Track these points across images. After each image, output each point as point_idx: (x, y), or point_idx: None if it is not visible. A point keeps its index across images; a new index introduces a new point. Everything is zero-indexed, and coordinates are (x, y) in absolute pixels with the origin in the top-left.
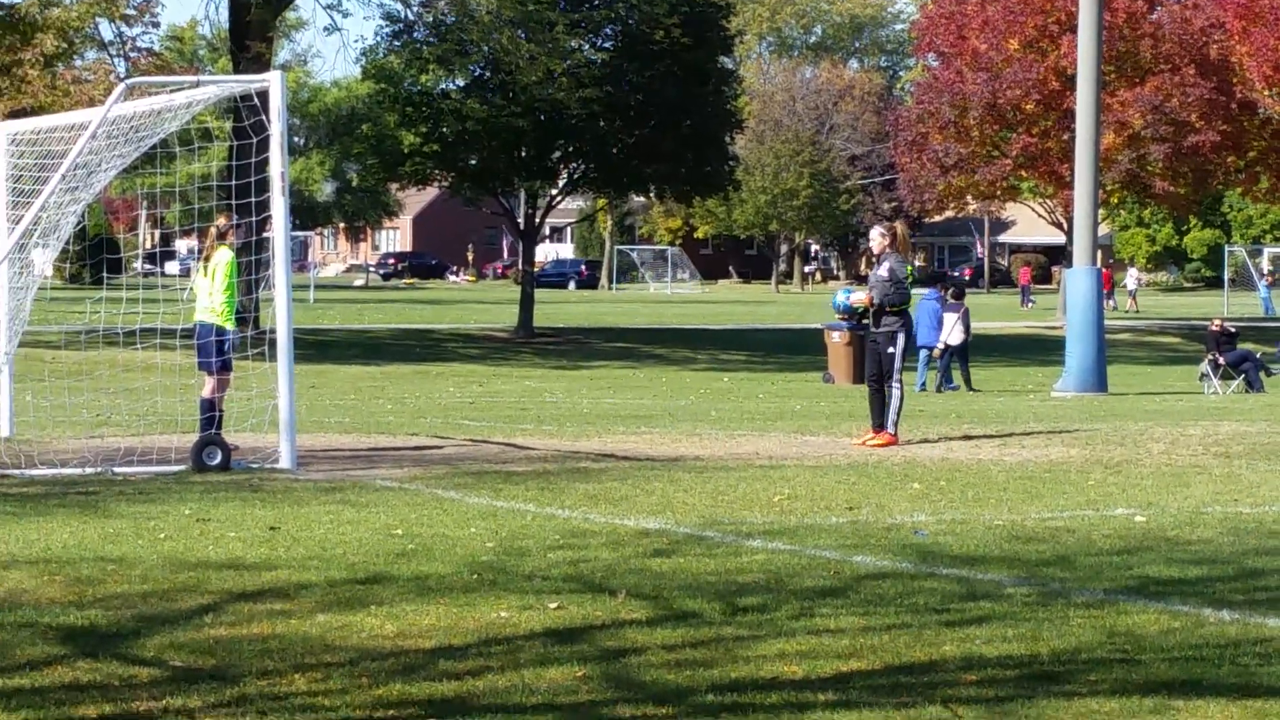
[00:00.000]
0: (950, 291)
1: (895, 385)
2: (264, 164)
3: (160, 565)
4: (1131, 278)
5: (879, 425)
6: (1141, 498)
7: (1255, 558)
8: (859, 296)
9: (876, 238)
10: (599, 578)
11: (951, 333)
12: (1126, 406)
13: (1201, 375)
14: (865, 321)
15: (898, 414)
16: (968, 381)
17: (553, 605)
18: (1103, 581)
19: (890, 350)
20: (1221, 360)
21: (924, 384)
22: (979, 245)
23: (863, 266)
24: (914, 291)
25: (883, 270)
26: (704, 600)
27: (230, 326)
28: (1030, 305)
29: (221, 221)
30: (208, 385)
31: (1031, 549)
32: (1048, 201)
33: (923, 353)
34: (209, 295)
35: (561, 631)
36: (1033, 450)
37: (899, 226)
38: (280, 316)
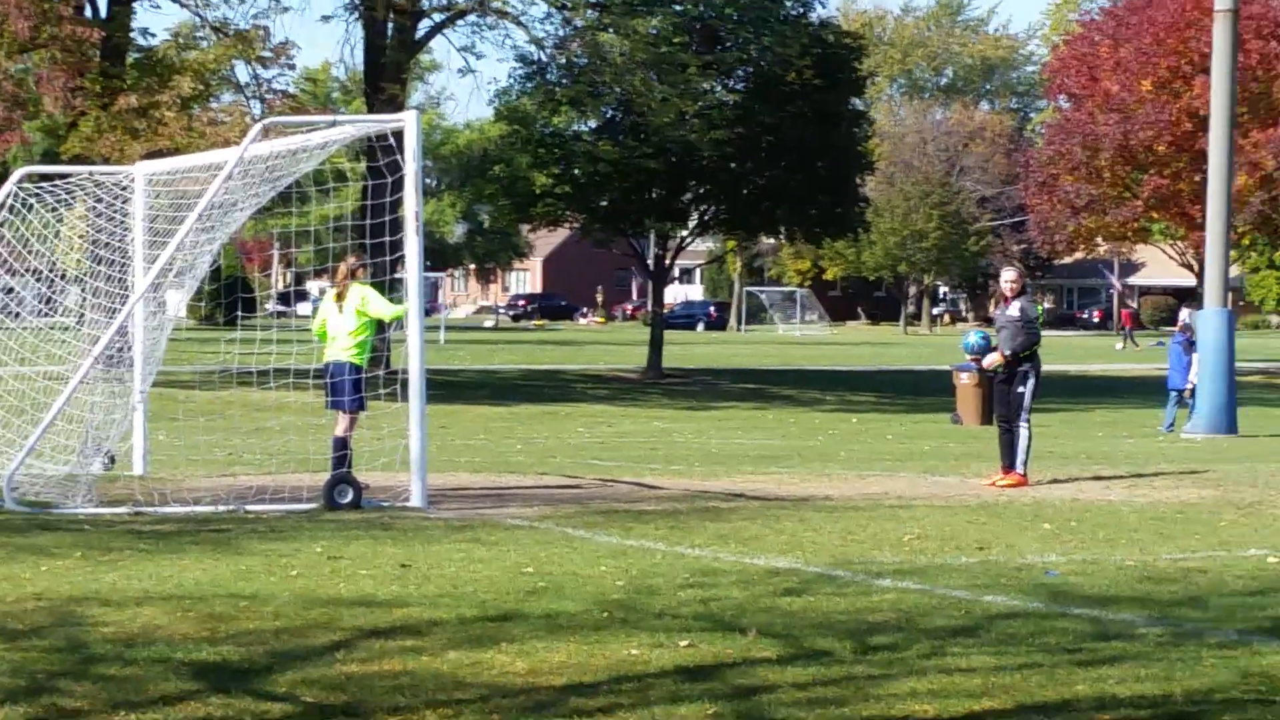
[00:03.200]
0: (1194, 333)
1: (1024, 425)
2: (397, 204)
3: (292, 602)
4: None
5: (1009, 465)
6: (1274, 539)
7: None
8: (992, 358)
9: (1014, 277)
10: (729, 616)
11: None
12: (1258, 448)
13: None
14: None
15: (1027, 454)
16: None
17: (683, 643)
18: (1236, 622)
19: (1020, 390)
20: None
21: (1171, 424)
22: (1115, 284)
23: (992, 308)
24: (1149, 336)
25: (1014, 310)
26: (835, 639)
27: (364, 364)
28: (1134, 347)
29: (352, 260)
30: (341, 424)
31: (1163, 589)
32: (1178, 243)
33: (1172, 394)
34: (345, 334)
35: (692, 669)
36: (1163, 491)
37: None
38: (413, 356)
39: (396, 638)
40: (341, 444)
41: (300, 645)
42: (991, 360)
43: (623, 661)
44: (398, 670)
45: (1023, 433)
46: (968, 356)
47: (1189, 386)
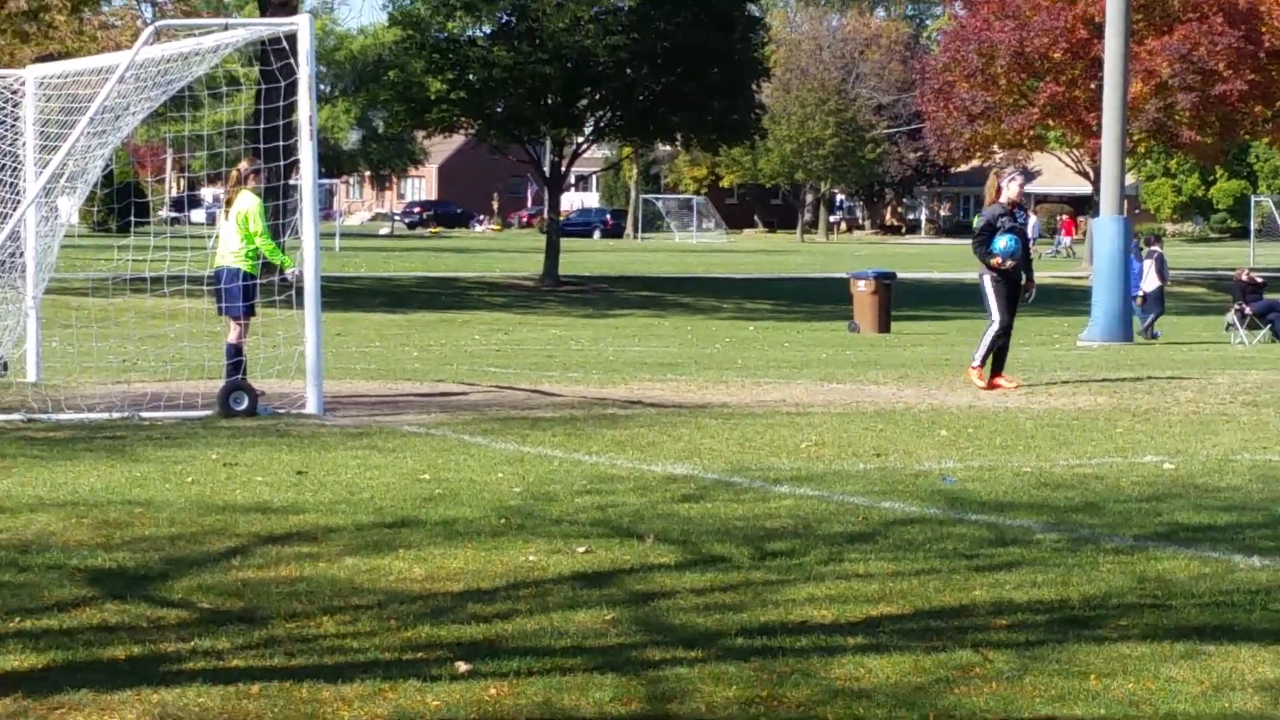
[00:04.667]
0: (1144, 239)
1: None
2: (291, 109)
3: (187, 509)
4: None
5: (984, 363)
6: (1170, 445)
7: None
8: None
9: (1019, 186)
10: (627, 522)
11: (1147, 279)
12: (1153, 356)
13: (1228, 325)
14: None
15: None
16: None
17: (581, 549)
18: (1132, 528)
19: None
20: (1248, 310)
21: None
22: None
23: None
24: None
25: (1033, 220)
26: (732, 545)
27: (254, 270)
28: (1062, 255)
29: (244, 165)
30: (233, 331)
31: (1060, 495)
32: (1074, 151)
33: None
34: (233, 239)
35: (590, 575)
36: (1060, 398)
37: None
38: (308, 263)
39: (293, 544)
40: (235, 350)
41: (196, 552)
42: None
43: (520, 567)
44: (294, 576)
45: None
46: (1007, 262)
47: (1138, 295)
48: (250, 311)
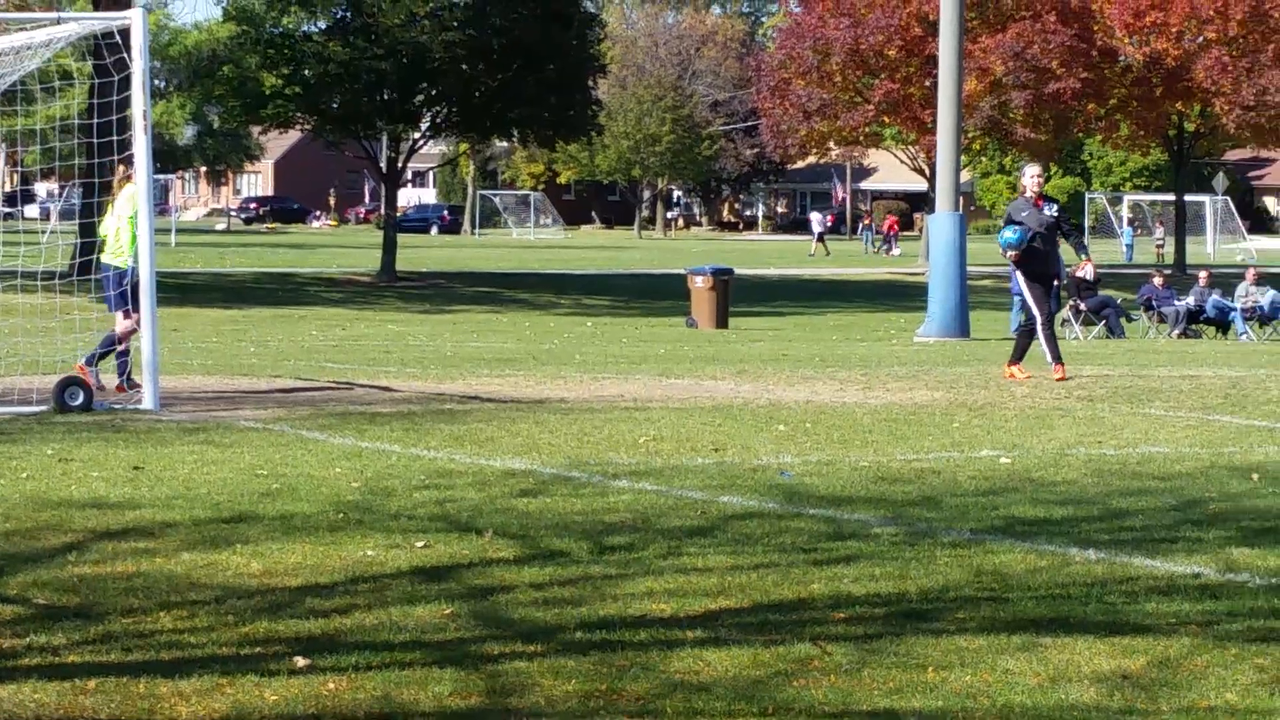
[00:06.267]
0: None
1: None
2: (125, 104)
3: (23, 504)
4: (816, 221)
5: (1058, 360)
6: (1006, 440)
7: (1119, 498)
8: (1088, 269)
9: (1039, 172)
10: (466, 517)
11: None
12: (989, 351)
13: (1063, 321)
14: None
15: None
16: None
17: (419, 544)
18: (969, 521)
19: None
20: (1083, 306)
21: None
22: (839, 191)
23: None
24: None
25: (1053, 210)
26: (571, 539)
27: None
28: (894, 253)
29: (120, 169)
30: (123, 324)
31: (898, 490)
32: (910, 148)
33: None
34: (115, 236)
35: (429, 570)
36: (897, 393)
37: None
38: (143, 258)
39: (129, 539)
40: (110, 341)
41: (31, 547)
42: (1089, 270)
43: (358, 562)
44: (131, 572)
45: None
46: (1008, 253)
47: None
48: (123, 304)
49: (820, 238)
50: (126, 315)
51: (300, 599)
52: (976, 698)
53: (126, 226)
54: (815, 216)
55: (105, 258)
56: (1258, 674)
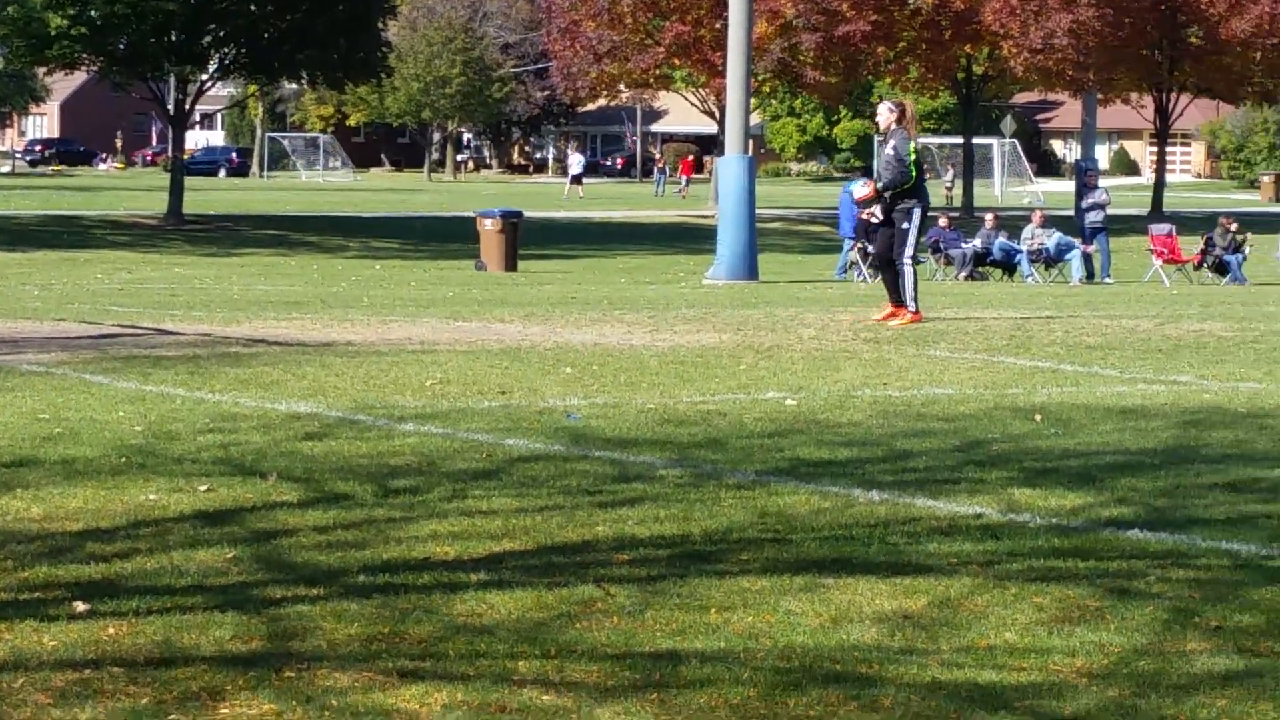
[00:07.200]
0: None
1: (905, 262)
2: None
3: None
4: (574, 163)
5: (898, 302)
6: (792, 381)
7: (903, 440)
8: (860, 190)
9: (884, 114)
10: (250, 461)
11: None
12: (777, 294)
13: (851, 263)
14: (874, 216)
15: (914, 289)
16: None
17: (203, 488)
18: (754, 463)
19: (904, 226)
20: (870, 249)
21: (844, 271)
22: (630, 135)
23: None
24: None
25: (888, 149)
26: (356, 483)
27: None
28: (682, 195)
29: None
30: None
31: (683, 432)
32: (700, 90)
33: (847, 243)
34: None
35: (211, 514)
36: (684, 335)
37: (908, 104)
38: None
39: None
40: None
41: None
42: (861, 193)
43: (141, 506)
44: None
45: (906, 270)
46: (861, 213)
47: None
48: None
49: (576, 179)
50: None
51: (81, 544)
52: (759, 638)
53: None
54: (574, 158)
55: None
56: (1037, 613)
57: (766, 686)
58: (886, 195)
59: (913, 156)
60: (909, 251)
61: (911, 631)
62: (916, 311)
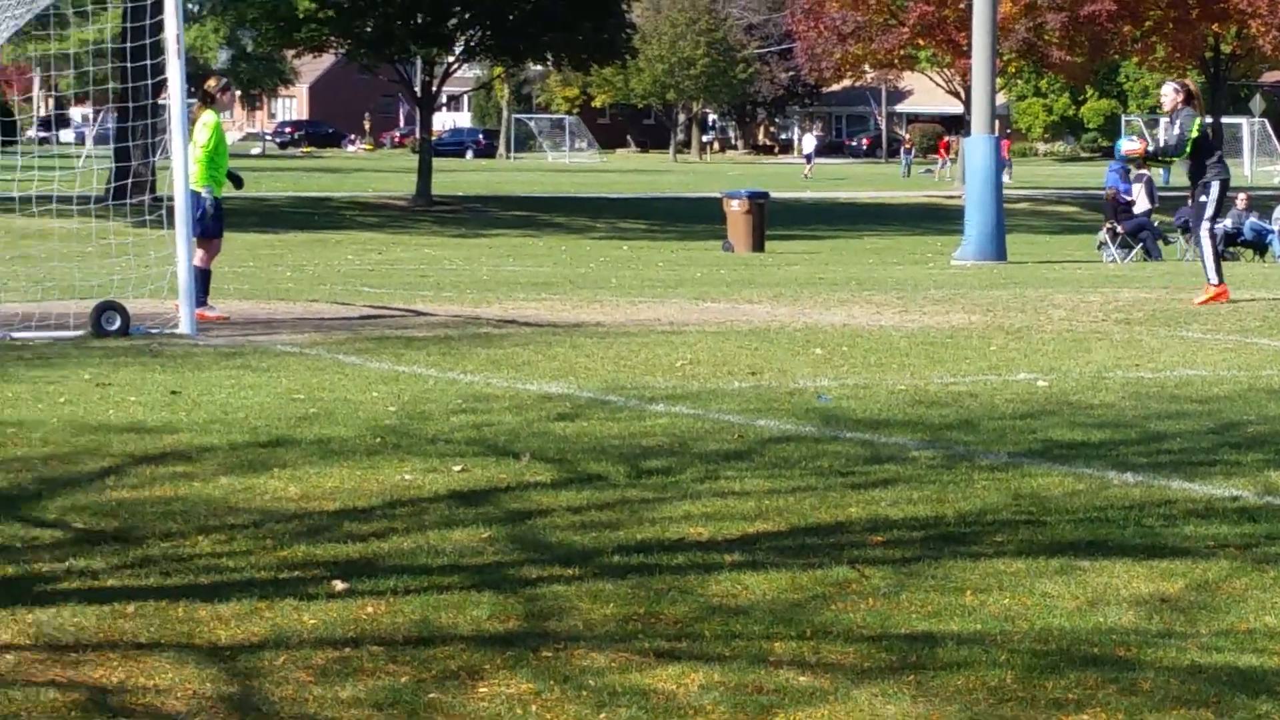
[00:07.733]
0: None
1: (1203, 233)
2: (158, 28)
3: (61, 429)
4: (809, 144)
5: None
6: (1043, 363)
7: (1157, 421)
8: (1128, 144)
9: (1170, 94)
10: (503, 441)
11: (1139, 203)
12: (1026, 274)
13: (1100, 244)
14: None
15: (1215, 262)
16: (1149, 252)
17: (457, 468)
18: (1006, 445)
19: (1202, 199)
20: (1120, 229)
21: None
22: (877, 115)
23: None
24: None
25: (1175, 127)
26: (608, 463)
27: (204, 190)
28: (944, 177)
29: (211, 83)
30: (198, 253)
31: (935, 413)
32: (945, 71)
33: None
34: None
35: (466, 494)
36: (934, 316)
37: (1191, 83)
38: (178, 183)
39: (167, 464)
40: (195, 274)
41: (70, 472)
42: (1128, 147)
43: (396, 486)
44: (169, 496)
45: (1204, 242)
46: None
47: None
48: (201, 232)
49: (809, 159)
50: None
51: (338, 523)
52: (1015, 621)
53: (203, 148)
54: (807, 139)
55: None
56: None
57: (1023, 669)
58: (1158, 160)
59: (1195, 134)
60: (1204, 224)
61: (1169, 615)
62: (1219, 285)
